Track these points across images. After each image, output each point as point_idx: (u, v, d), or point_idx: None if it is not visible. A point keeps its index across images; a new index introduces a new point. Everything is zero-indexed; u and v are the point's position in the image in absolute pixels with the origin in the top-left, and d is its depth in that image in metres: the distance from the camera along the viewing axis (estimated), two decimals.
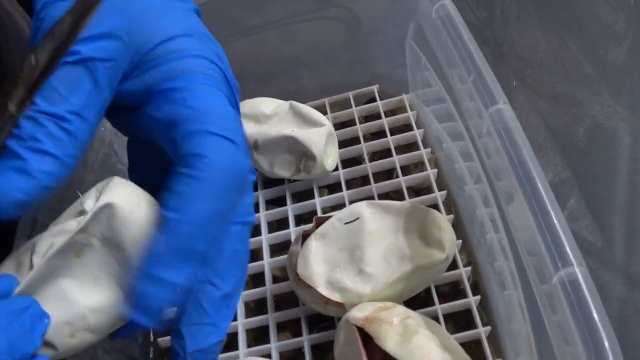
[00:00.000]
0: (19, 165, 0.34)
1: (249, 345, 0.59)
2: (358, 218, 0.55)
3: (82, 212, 0.35)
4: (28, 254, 0.35)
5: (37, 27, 0.37)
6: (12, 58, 0.74)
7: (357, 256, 0.54)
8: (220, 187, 0.35)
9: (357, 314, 0.51)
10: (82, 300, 0.35)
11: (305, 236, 0.56)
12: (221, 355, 0.58)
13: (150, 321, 0.34)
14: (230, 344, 0.60)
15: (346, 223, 0.55)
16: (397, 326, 0.49)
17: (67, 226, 0.35)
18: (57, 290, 0.35)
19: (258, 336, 0.60)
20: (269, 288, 0.61)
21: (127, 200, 0.35)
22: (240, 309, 0.60)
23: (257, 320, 0.59)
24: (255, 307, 0.61)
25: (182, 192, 0.34)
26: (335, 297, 0.53)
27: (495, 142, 0.49)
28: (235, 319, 0.60)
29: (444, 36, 0.56)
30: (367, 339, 0.50)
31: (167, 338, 0.61)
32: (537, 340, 0.47)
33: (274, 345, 0.57)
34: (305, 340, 0.57)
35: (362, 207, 0.56)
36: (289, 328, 0.59)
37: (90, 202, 0.35)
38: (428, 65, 0.64)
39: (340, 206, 0.65)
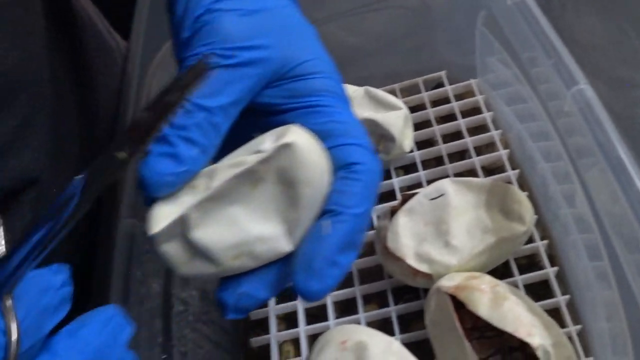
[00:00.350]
0: (171, 151, 0.38)
1: (337, 317, 0.63)
2: (443, 194, 0.59)
3: (258, 152, 0.39)
4: (204, 180, 0.39)
5: (196, 28, 0.41)
6: (108, 75, 0.78)
7: (443, 230, 0.58)
8: (373, 187, 0.40)
9: (447, 282, 0.54)
10: (250, 227, 0.39)
11: (392, 212, 0.60)
12: (312, 326, 0.62)
13: (323, 295, 0.38)
14: (319, 315, 0.64)
15: (432, 199, 0.59)
16: (487, 293, 0.52)
17: (246, 159, 0.39)
18: (228, 214, 0.39)
19: (344, 308, 0.64)
20: (353, 263, 0.65)
21: (306, 144, 0.38)
22: None
23: (343, 293, 0.63)
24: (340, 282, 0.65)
25: (351, 192, 0.38)
26: (423, 268, 0.57)
27: (577, 121, 0.52)
28: None
29: (521, 23, 0.60)
30: (457, 307, 0.53)
31: (257, 311, 0.65)
32: (625, 306, 0.50)
33: (363, 316, 0.61)
34: (393, 310, 0.61)
35: (447, 184, 0.60)
36: (375, 300, 0.63)
37: (268, 143, 0.39)
38: (501, 50, 0.67)
39: (416, 186, 0.69)
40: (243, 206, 0.39)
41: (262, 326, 0.65)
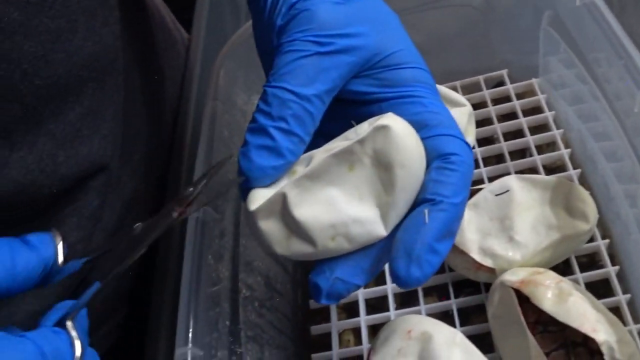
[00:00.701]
0: (271, 144, 0.40)
1: (396, 308, 0.64)
2: (508, 190, 0.60)
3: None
4: (303, 164, 0.41)
5: (292, 15, 0.42)
6: (173, 68, 0.80)
7: (507, 225, 0.59)
8: (469, 178, 0.41)
9: (511, 277, 0.55)
10: (346, 209, 0.40)
11: None
12: (373, 316, 0.63)
13: (422, 282, 0.39)
14: (378, 306, 0.65)
15: (497, 195, 0.60)
16: (552, 288, 0.53)
17: (343, 144, 0.40)
18: (326, 195, 0.40)
19: (404, 300, 0.65)
20: None
21: (402, 128, 0.39)
22: (388, 276, 0.65)
23: None
24: None
25: (448, 182, 0.40)
26: (487, 262, 0.58)
27: None
28: (384, 282, 0.65)
29: (590, 23, 0.60)
30: (520, 301, 0.54)
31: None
32: None
33: (423, 308, 0.62)
34: (453, 303, 0.62)
35: (512, 180, 0.60)
36: (435, 293, 0.64)
37: (364, 129, 0.40)
38: (567, 50, 0.67)
39: (477, 182, 0.69)
40: (339, 188, 0.40)
41: (321, 315, 0.66)
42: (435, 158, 0.40)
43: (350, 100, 0.44)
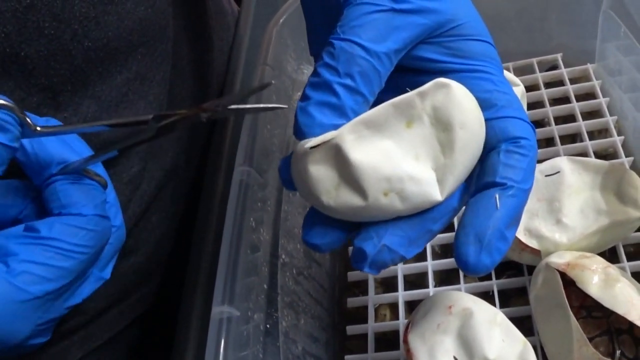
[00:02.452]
0: (335, 102, 0.37)
1: (435, 286, 0.63)
2: (558, 172, 0.59)
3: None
4: None
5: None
6: (222, 39, 0.79)
7: (556, 207, 0.57)
8: (535, 164, 0.40)
9: (557, 259, 0.54)
10: (403, 165, 0.37)
11: None
12: (411, 292, 0.62)
13: (490, 269, 0.37)
14: (417, 283, 0.64)
15: (547, 175, 0.59)
16: (599, 273, 0.52)
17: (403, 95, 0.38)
18: (383, 147, 0.37)
19: (443, 278, 0.64)
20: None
21: (462, 89, 0.38)
22: (429, 252, 0.64)
23: (444, 262, 0.63)
24: (440, 252, 0.65)
25: (519, 167, 0.38)
26: (532, 243, 0.57)
27: None
28: (424, 259, 0.64)
29: None
30: (564, 285, 0.53)
31: (355, 273, 0.66)
32: None
33: (463, 287, 0.61)
34: (494, 284, 0.60)
35: (563, 161, 0.59)
36: None
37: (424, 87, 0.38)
38: (628, 34, 0.66)
39: None
40: (396, 144, 0.38)
41: (358, 288, 0.66)
42: (503, 140, 0.39)
43: (413, 68, 0.42)
